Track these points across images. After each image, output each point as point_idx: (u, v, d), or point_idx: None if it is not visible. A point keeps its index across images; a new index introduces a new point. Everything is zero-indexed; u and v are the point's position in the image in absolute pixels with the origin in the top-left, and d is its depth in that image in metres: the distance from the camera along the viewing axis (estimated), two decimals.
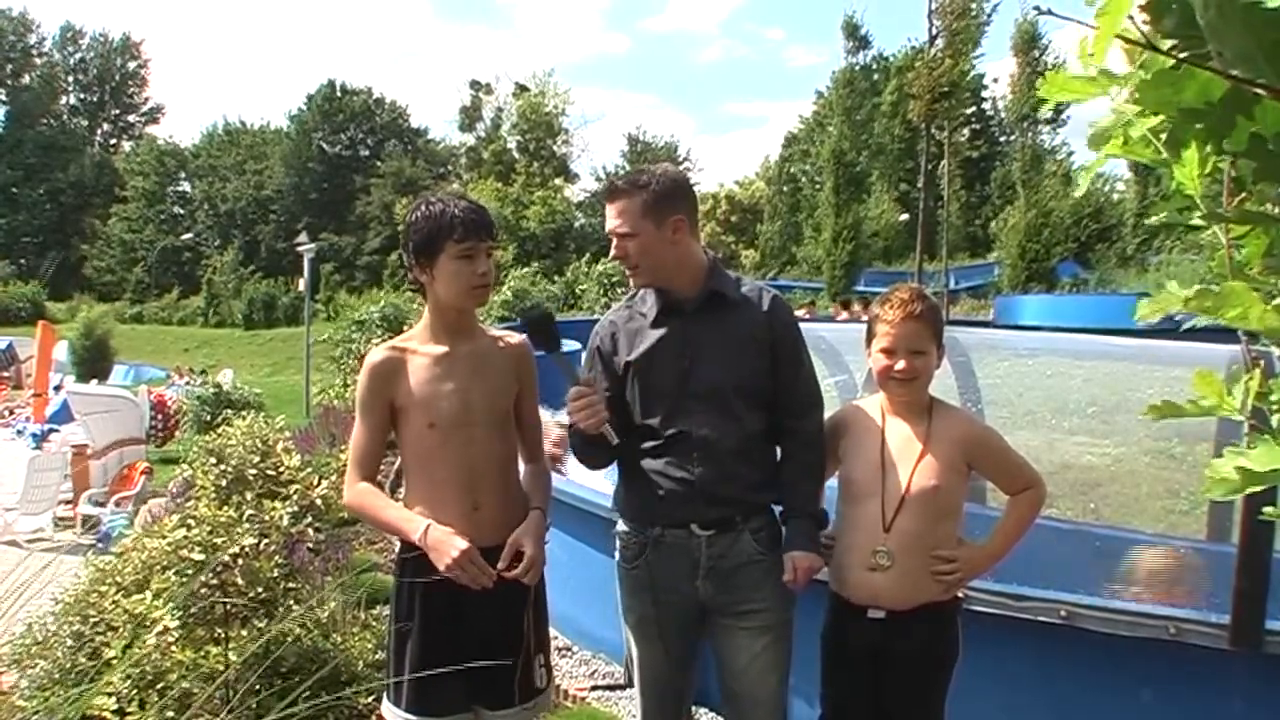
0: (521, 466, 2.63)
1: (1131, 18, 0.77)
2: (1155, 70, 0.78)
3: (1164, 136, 0.87)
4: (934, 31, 25.98)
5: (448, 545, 2.30)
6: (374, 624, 3.98)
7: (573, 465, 2.74)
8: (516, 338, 2.63)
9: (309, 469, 4.08)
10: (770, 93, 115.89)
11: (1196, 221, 0.94)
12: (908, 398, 2.47)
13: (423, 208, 2.44)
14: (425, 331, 2.51)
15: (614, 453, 2.54)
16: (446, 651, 2.37)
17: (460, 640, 2.39)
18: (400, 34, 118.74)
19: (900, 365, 2.42)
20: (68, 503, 10.78)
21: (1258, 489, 0.91)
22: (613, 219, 2.49)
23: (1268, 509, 1.25)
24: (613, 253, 2.52)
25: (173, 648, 3.20)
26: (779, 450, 2.59)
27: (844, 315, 16.27)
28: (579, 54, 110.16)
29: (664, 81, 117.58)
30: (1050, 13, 0.82)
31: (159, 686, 3.10)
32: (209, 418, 13.03)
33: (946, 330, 2.58)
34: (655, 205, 2.45)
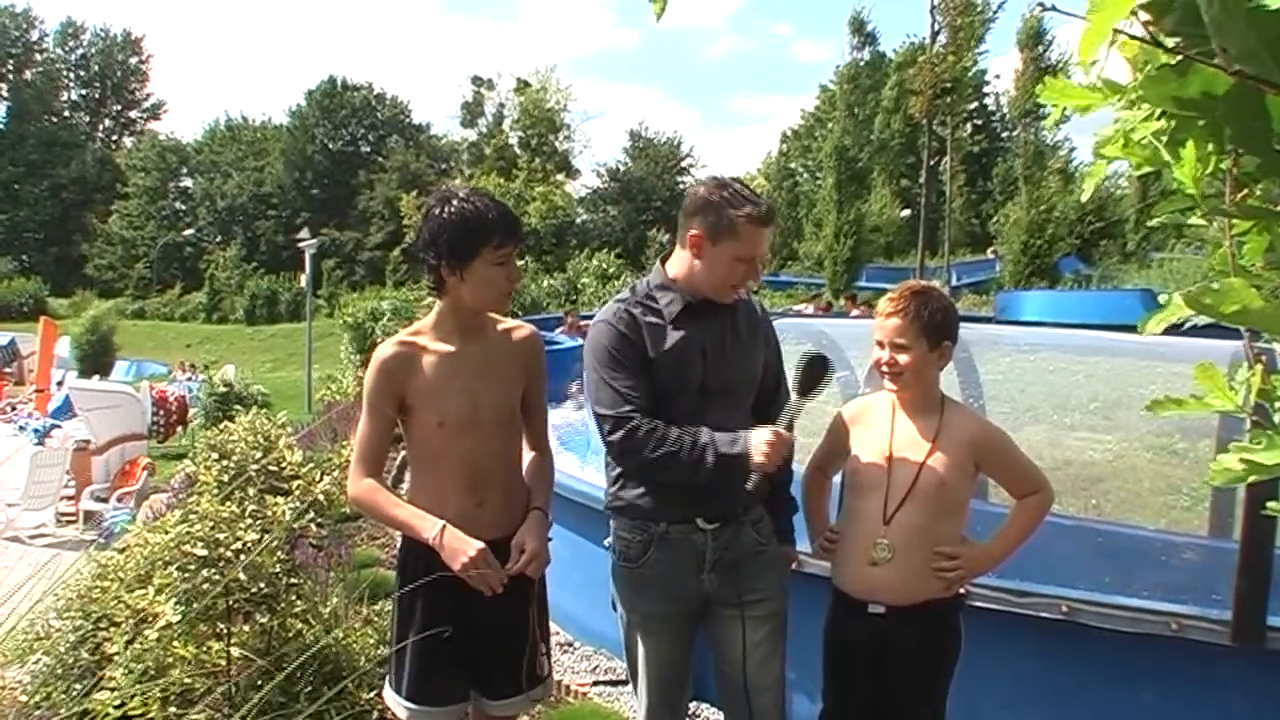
0: (526, 456, 2.63)
1: (1135, 13, 0.77)
2: (1158, 66, 0.78)
3: (1164, 138, 0.87)
4: (936, 28, 25.96)
5: (462, 546, 2.30)
6: (376, 620, 3.98)
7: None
8: (527, 329, 2.61)
9: (311, 465, 4.08)
10: (777, 88, 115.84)
11: (1196, 220, 0.94)
12: (900, 392, 2.48)
13: (454, 205, 2.33)
14: (437, 327, 2.47)
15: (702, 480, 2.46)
16: (450, 642, 2.38)
17: (465, 631, 2.40)
18: (404, 29, 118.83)
19: (882, 357, 2.44)
20: (70, 498, 10.80)
21: (1260, 480, 0.91)
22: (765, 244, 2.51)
23: (1271, 504, 1.25)
24: (746, 279, 2.52)
25: (175, 643, 3.20)
26: None
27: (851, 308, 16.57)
28: (585, 48, 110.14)
29: (669, 76, 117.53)
30: (1054, 8, 0.82)
31: (161, 682, 3.10)
32: (220, 413, 13.03)
33: None
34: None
